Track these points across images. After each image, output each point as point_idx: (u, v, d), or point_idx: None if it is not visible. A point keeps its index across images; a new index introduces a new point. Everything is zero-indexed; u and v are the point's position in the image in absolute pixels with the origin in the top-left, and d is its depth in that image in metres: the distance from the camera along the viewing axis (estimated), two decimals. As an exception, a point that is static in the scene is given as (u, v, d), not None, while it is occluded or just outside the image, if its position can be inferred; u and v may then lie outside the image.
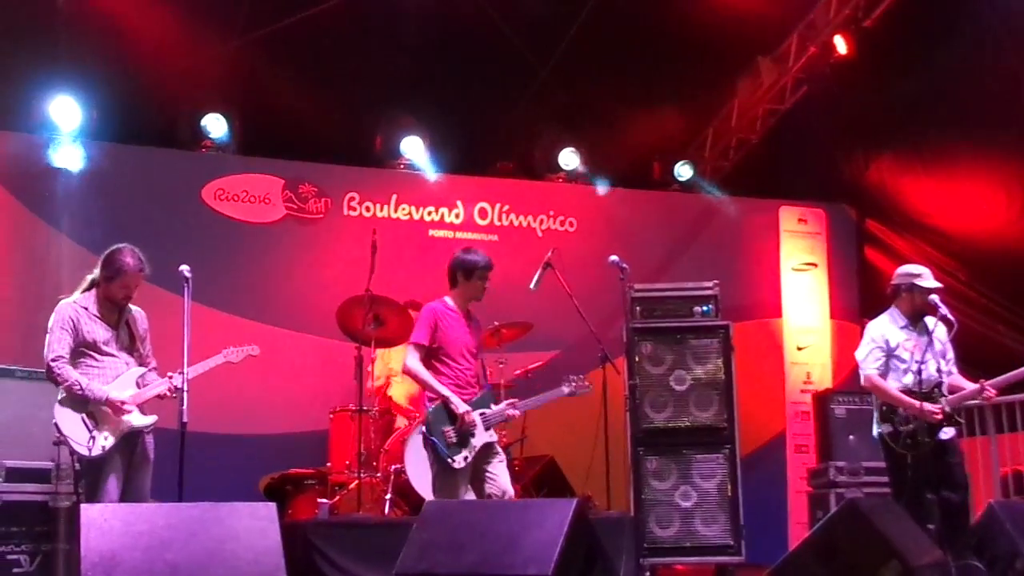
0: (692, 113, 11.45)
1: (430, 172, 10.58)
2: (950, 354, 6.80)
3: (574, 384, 6.80)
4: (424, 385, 6.55)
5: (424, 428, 6.46)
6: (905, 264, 7.22)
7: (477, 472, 6.38)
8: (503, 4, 9.78)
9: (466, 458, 6.31)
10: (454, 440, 6.30)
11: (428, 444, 6.38)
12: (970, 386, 6.65)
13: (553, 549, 4.57)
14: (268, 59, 9.61)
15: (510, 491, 6.46)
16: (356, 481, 7.96)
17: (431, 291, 6.76)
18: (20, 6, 8.85)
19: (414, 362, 6.48)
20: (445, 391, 6.38)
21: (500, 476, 6.41)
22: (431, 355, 6.50)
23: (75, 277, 6.27)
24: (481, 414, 6.41)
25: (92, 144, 9.45)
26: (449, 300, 6.62)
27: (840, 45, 10.58)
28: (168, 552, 4.30)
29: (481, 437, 6.39)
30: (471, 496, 6.46)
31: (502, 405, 6.61)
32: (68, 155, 9.34)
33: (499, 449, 6.54)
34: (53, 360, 5.82)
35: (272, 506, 4.72)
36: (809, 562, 5.22)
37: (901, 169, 10.70)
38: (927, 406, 6.48)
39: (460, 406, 6.34)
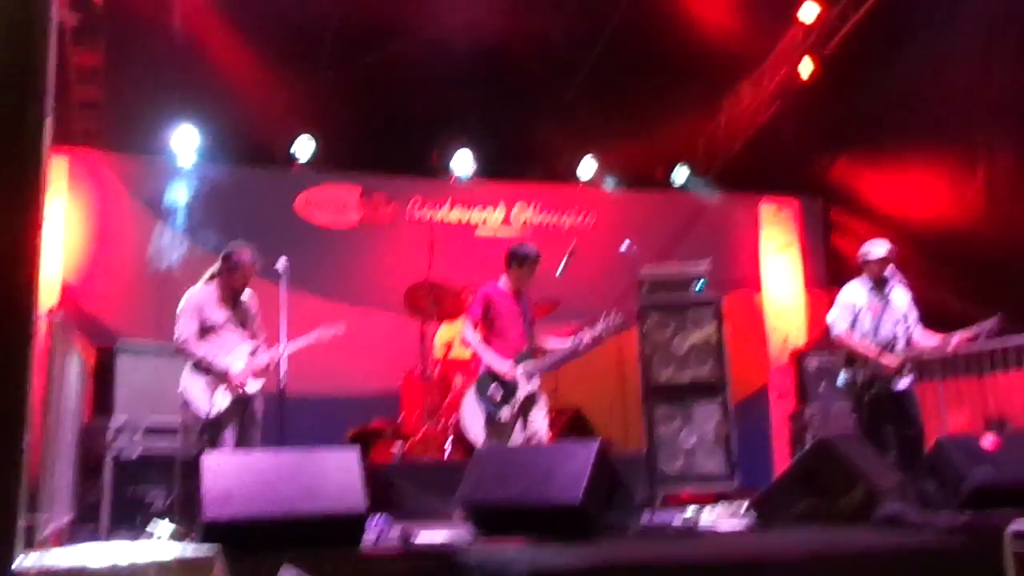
0: (687, 126, 11.24)
1: (476, 179, 10.50)
2: (913, 315, 6.63)
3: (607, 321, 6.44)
4: (476, 351, 6.47)
5: (476, 390, 6.37)
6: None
7: (522, 421, 6.25)
8: (534, 43, 9.63)
9: (511, 409, 6.19)
10: (499, 399, 6.21)
11: (480, 403, 6.30)
12: (930, 342, 6.48)
13: (582, 480, 4.50)
14: (346, 90, 9.49)
15: (542, 434, 6.29)
16: (423, 430, 7.95)
17: (476, 278, 6.67)
18: (152, 56, 8.82)
19: (469, 333, 6.38)
20: (489, 355, 6.26)
21: (537, 422, 6.26)
22: (488, 328, 6.36)
23: (195, 270, 6.27)
24: (523, 368, 6.28)
25: (207, 164, 9.46)
26: (501, 283, 6.48)
27: (805, 69, 10.39)
28: (272, 489, 4.27)
29: (523, 389, 6.25)
30: (519, 438, 6.31)
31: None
32: (189, 173, 9.37)
33: (540, 399, 6.36)
34: (183, 341, 5.85)
35: (355, 452, 4.66)
36: (791, 487, 5.12)
37: (858, 167, 10.54)
38: (883, 358, 6.36)
39: (502, 366, 6.24)
